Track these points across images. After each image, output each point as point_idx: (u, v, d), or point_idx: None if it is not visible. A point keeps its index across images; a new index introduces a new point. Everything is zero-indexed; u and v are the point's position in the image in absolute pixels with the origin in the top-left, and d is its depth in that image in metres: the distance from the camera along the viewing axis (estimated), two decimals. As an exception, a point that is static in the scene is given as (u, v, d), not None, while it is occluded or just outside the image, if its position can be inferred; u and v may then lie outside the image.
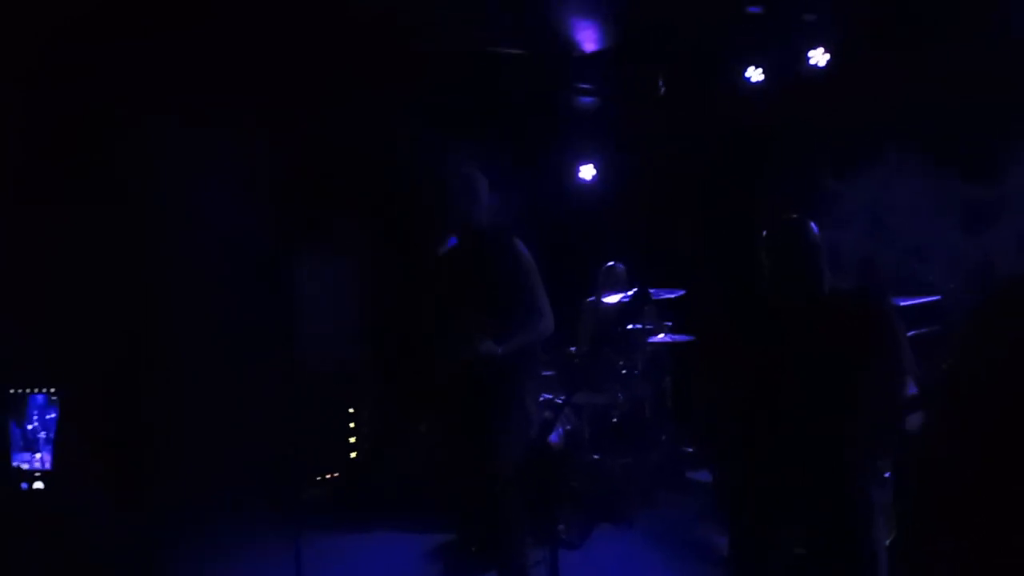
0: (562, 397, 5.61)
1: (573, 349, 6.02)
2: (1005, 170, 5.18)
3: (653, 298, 5.57)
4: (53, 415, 4.45)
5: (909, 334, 3.89)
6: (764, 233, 3.06)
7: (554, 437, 5.41)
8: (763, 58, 6.35)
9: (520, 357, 3.53)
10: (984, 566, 2.35)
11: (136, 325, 5.43)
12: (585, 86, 7.17)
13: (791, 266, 2.96)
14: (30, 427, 4.45)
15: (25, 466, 4.45)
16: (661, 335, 5.81)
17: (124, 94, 5.32)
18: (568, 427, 5.52)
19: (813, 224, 3.04)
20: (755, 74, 6.39)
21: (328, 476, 6.13)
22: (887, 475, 3.33)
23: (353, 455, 6.32)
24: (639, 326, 5.86)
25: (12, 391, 4.46)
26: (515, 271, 3.57)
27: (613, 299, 5.81)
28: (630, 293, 5.78)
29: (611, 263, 6.27)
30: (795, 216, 3.03)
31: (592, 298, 6.27)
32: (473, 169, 3.73)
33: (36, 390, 4.47)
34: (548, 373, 5.87)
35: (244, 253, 5.72)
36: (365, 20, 5.62)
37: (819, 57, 5.97)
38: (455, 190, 3.66)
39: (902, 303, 3.94)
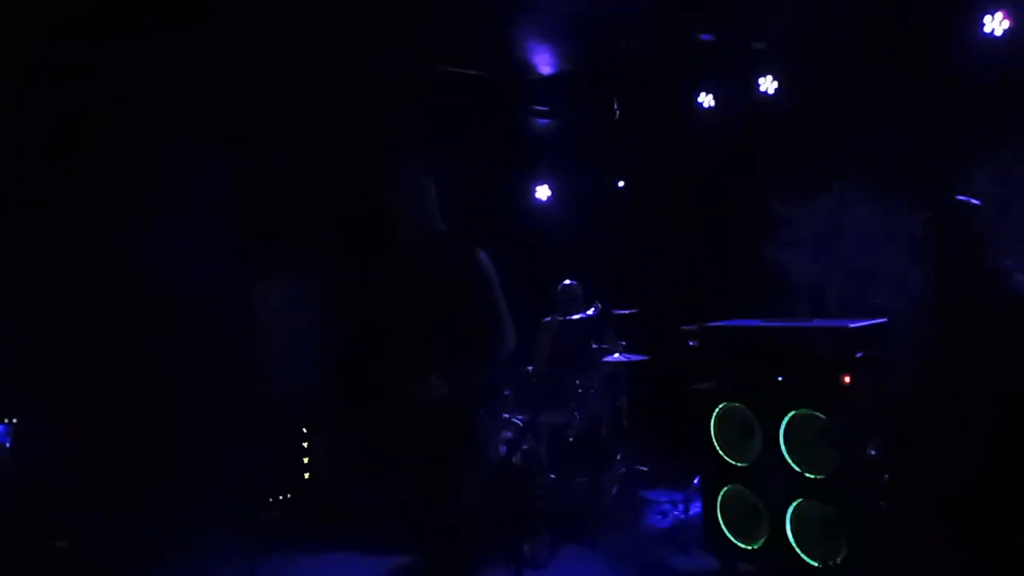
0: (519, 416, 5.64)
1: (530, 368, 6.06)
2: (956, 194, 5.36)
3: (614, 315, 5.65)
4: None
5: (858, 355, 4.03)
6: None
7: (505, 453, 5.43)
8: (715, 84, 6.51)
9: (481, 388, 3.39)
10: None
11: (95, 348, 5.34)
12: (542, 108, 7.27)
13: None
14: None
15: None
16: (616, 354, 5.89)
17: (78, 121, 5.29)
18: (526, 446, 5.54)
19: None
20: (707, 99, 6.54)
21: (282, 497, 6.07)
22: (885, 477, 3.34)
23: (307, 476, 6.26)
24: (596, 345, 5.93)
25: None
26: (477, 285, 3.40)
27: (572, 317, 5.88)
28: (590, 311, 5.85)
29: (567, 281, 6.35)
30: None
31: (549, 317, 6.33)
32: (417, 169, 3.59)
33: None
34: (505, 392, 5.90)
35: (203, 273, 5.67)
36: (325, 43, 5.64)
37: (768, 84, 6.14)
38: (401, 191, 3.51)
39: (851, 325, 4.06)
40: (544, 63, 6.75)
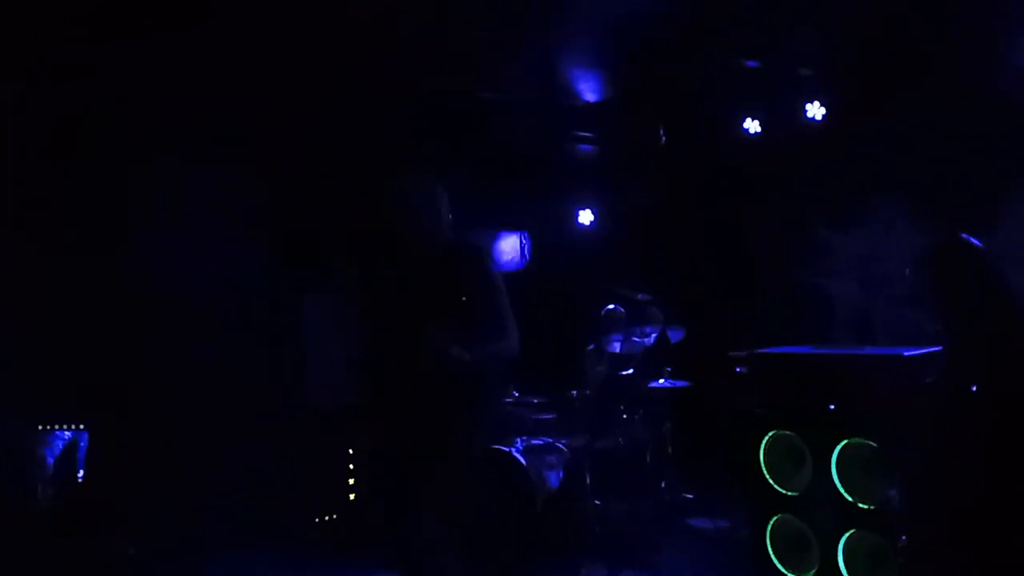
0: (563, 441, 5.64)
1: (575, 393, 6.07)
2: (1000, 222, 5.31)
3: (672, 342, 5.64)
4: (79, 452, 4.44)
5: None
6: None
7: (554, 481, 5.43)
8: (760, 110, 6.51)
9: (487, 368, 3.53)
10: None
11: (139, 362, 5.43)
12: (586, 134, 7.31)
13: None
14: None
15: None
16: (661, 380, 5.87)
17: (103, 127, 5.37)
18: (567, 470, 5.54)
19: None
20: (752, 125, 6.54)
21: (327, 517, 6.10)
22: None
23: (352, 496, 6.30)
24: (645, 369, 5.93)
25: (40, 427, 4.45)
26: (483, 287, 3.54)
27: (615, 342, 5.89)
28: (649, 338, 5.84)
29: (611, 306, 6.35)
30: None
31: (592, 345, 6.34)
32: (432, 179, 3.68)
33: (64, 427, 4.46)
34: (548, 416, 5.91)
35: (250, 292, 5.75)
36: (368, 59, 5.69)
37: (815, 110, 6.13)
38: (414, 201, 3.60)
39: (906, 353, 4.02)
40: (589, 90, 6.80)
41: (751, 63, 6.05)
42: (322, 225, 6.31)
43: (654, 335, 5.94)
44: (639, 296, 5.69)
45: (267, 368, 5.80)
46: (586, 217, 7.78)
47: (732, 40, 5.68)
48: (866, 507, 4.02)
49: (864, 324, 6.44)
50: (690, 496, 5.90)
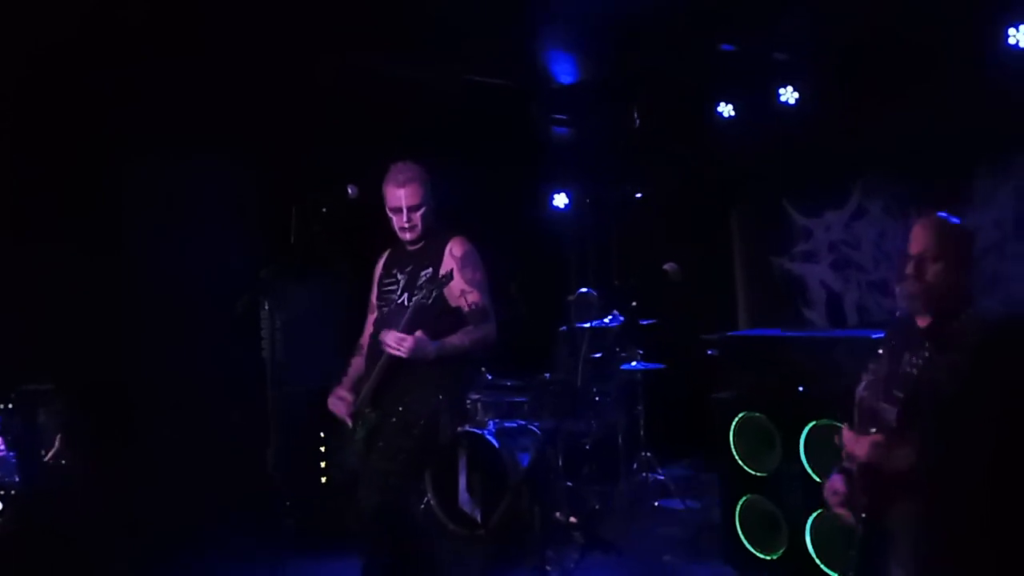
0: (535, 424, 5.65)
1: (547, 376, 6.07)
2: (973, 205, 5.36)
3: (637, 325, 5.65)
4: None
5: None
6: None
7: (525, 462, 5.44)
8: (735, 94, 6.51)
9: (456, 357, 3.58)
10: None
11: (112, 355, 5.38)
12: (561, 116, 7.29)
13: None
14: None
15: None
16: (634, 363, 5.89)
17: (104, 121, 5.34)
18: (539, 453, 5.55)
19: None
20: (727, 109, 6.55)
21: (298, 501, 6.06)
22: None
23: (324, 480, 6.26)
24: (616, 353, 5.94)
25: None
26: (461, 270, 3.56)
27: (590, 325, 5.89)
28: (607, 320, 5.85)
29: (583, 290, 6.35)
30: None
31: (565, 327, 6.34)
32: (417, 166, 3.71)
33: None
34: (521, 399, 5.91)
35: (216, 280, 5.70)
36: (344, 47, 5.65)
37: (789, 94, 6.14)
38: (397, 187, 3.63)
39: (874, 335, 4.05)
40: (564, 72, 6.78)
41: (726, 47, 6.05)
42: (306, 209, 6.28)
43: (626, 318, 5.95)
44: (665, 266, 5.67)
45: (239, 350, 5.75)
46: (561, 200, 7.78)
47: (707, 24, 5.67)
48: (834, 488, 4.06)
49: (839, 307, 6.51)
50: (661, 477, 5.94)
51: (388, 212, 3.72)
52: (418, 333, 3.43)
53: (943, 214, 2.86)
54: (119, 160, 5.58)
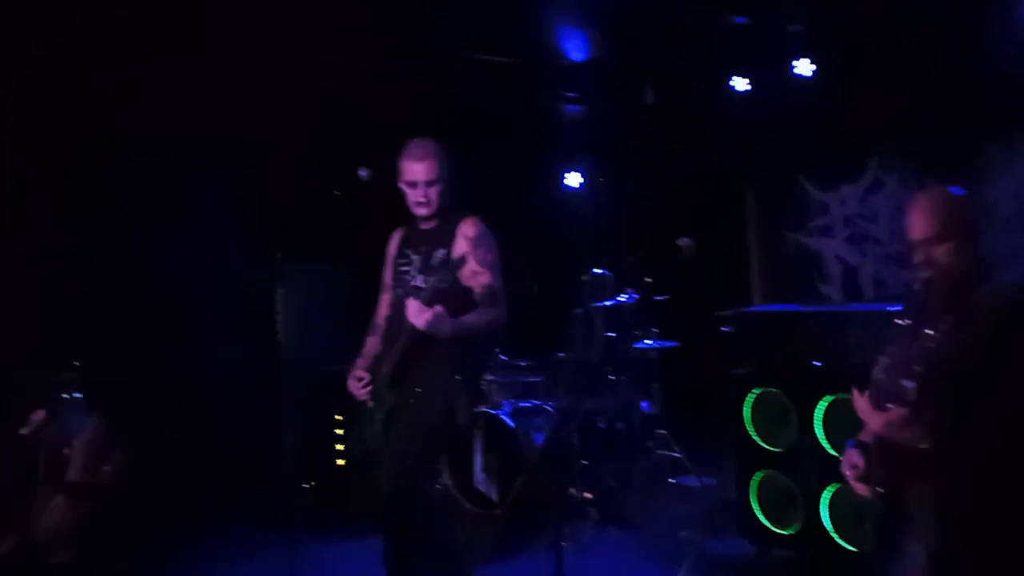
0: (551, 403, 5.65)
1: (563, 355, 6.06)
2: (988, 180, 5.29)
3: (653, 303, 5.64)
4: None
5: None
6: None
7: (540, 441, 5.45)
8: (749, 68, 6.44)
9: (469, 337, 3.57)
10: None
11: (120, 338, 5.41)
12: (572, 94, 7.23)
13: None
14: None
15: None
16: (648, 341, 5.87)
17: (104, 120, 5.35)
18: (554, 432, 5.55)
19: None
20: (741, 83, 6.48)
21: (314, 483, 6.10)
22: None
23: (340, 462, 6.29)
24: (632, 331, 5.92)
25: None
26: (474, 251, 3.53)
27: (605, 304, 5.87)
28: (622, 298, 5.83)
29: (597, 271, 6.32)
30: None
31: (581, 308, 6.31)
32: (434, 142, 3.66)
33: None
34: (536, 379, 5.91)
35: (226, 262, 5.71)
36: (353, 31, 5.62)
37: (804, 67, 6.06)
38: (415, 161, 3.60)
39: (890, 308, 4.01)
40: (574, 49, 6.71)
41: (739, 19, 5.97)
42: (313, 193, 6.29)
43: (640, 295, 5.92)
44: (680, 242, 5.64)
45: (252, 335, 5.78)
46: (574, 179, 7.73)
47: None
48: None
49: (854, 282, 6.46)
50: (677, 455, 5.93)
51: (403, 186, 3.69)
52: (438, 308, 3.42)
53: (935, 189, 2.77)
54: (119, 159, 5.60)
